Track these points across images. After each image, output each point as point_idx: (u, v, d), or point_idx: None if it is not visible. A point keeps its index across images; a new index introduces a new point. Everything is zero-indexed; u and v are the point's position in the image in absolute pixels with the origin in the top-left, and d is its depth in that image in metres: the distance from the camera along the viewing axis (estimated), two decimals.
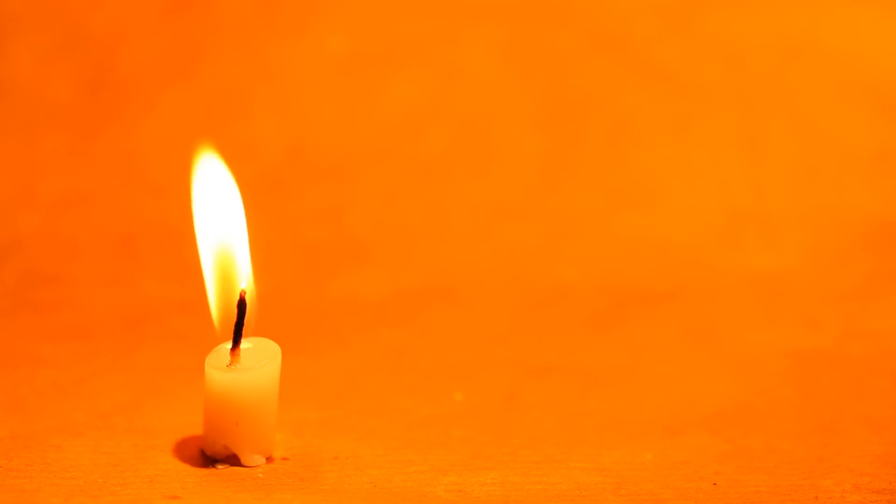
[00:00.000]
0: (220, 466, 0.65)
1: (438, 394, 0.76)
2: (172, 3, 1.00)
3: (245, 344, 0.66)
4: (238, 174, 0.68)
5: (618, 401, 0.75)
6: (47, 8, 0.99)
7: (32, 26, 0.99)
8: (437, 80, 1.00)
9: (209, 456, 0.66)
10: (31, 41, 0.98)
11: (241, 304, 0.65)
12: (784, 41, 1.00)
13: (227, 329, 0.66)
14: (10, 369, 0.77)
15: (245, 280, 0.66)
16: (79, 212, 0.94)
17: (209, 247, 0.67)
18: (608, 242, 0.95)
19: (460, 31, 1.01)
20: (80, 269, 0.91)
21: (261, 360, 0.65)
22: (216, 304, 0.67)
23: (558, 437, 0.70)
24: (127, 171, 0.96)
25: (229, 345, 0.65)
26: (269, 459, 0.66)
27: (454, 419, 0.72)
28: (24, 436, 0.67)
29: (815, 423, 0.72)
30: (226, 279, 0.67)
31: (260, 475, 0.65)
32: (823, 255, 0.94)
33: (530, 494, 0.64)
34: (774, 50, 1.00)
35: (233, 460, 0.65)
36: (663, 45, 1.00)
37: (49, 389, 0.74)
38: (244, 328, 0.65)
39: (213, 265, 0.67)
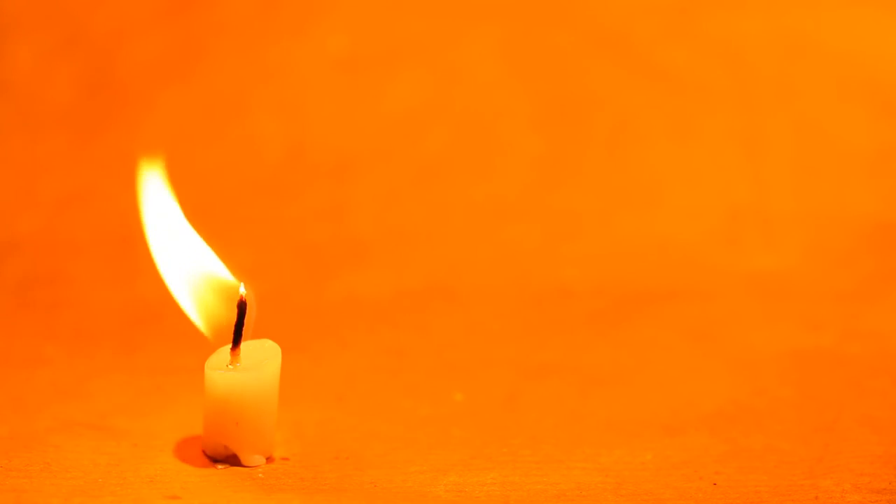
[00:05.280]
0: (220, 466, 0.65)
1: (438, 394, 0.76)
2: (172, 3, 1.00)
3: (245, 345, 0.66)
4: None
5: (618, 401, 0.75)
6: (47, 8, 0.99)
7: (32, 26, 0.99)
8: (437, 80, 1.00)
9: (209, 456, 0.66)
10: (31, 41, 0.98)
11: (242, 305, 0.65)
12: (784, 41, 1.00)
13: (226, 336, 0.66)
14: (10, 369, 0.77)
15: (242, 284, 0.66)
16: (79, 212, 0.94)
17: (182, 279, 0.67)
18: (608, 242, 0.95)
19: (460, 31, 1.01)
20: (80, 269, 0.91)
21: (261, 360, 0.65)
22: (204, 324, 0.67)
23: (558, 437, 0.70)
24: (127, 171, 0.96)
25: (229, 346, 0.66)
26: (269, 459, 0.66)
27: (454, 419, 0.72)
28: (24, 436, 0.67)
29: (815, 423, 0.72)
30: (213, 294, 0.67)
31: (260, 475, 0.65)
32: (823, 255, 0.94)
33: (530, 494, 0.64)
34: (774, 50, 1.00)
35: (233, 460, 0.65)
36: (663, 45, 1.00)
37: (49, 389, 0.74)
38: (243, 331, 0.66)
39: (192, 292, 0.67)
